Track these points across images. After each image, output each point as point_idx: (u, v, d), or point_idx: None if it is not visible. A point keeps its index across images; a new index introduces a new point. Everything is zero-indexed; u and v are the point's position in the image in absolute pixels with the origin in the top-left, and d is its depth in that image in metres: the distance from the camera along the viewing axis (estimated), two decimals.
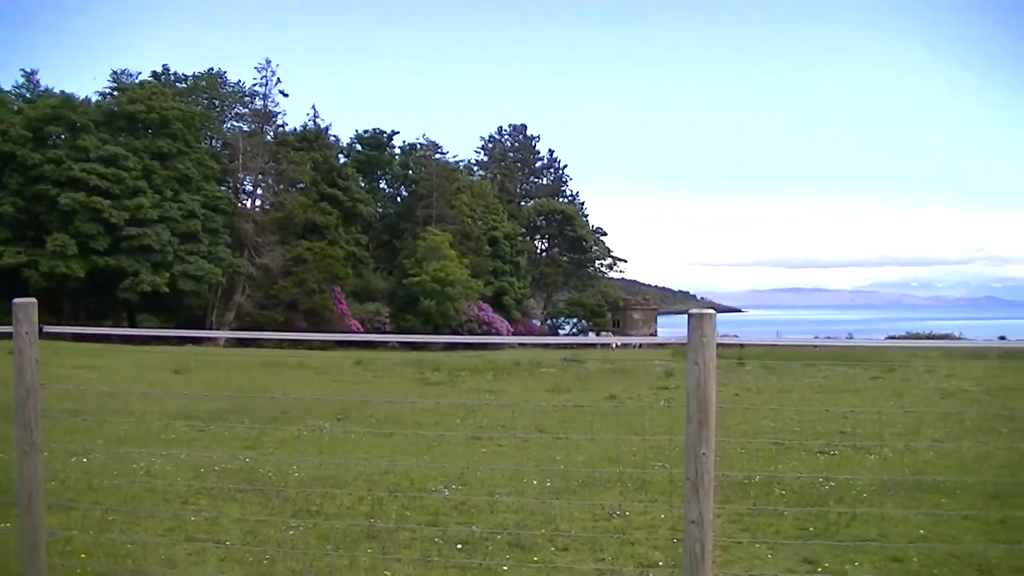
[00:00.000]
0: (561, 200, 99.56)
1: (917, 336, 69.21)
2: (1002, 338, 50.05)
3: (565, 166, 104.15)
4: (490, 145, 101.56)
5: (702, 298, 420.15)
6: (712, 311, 5.09)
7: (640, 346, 57.49)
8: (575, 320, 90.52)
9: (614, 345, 59.45)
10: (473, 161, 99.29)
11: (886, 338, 58.26)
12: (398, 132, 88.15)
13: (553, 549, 8.16)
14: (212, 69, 79.18)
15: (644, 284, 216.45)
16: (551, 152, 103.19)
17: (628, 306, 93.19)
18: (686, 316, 5.12)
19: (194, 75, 79.69)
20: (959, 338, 56.68)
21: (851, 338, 46.03)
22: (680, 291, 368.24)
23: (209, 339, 55.85)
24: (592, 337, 72.73)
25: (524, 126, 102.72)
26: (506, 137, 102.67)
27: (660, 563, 7.66)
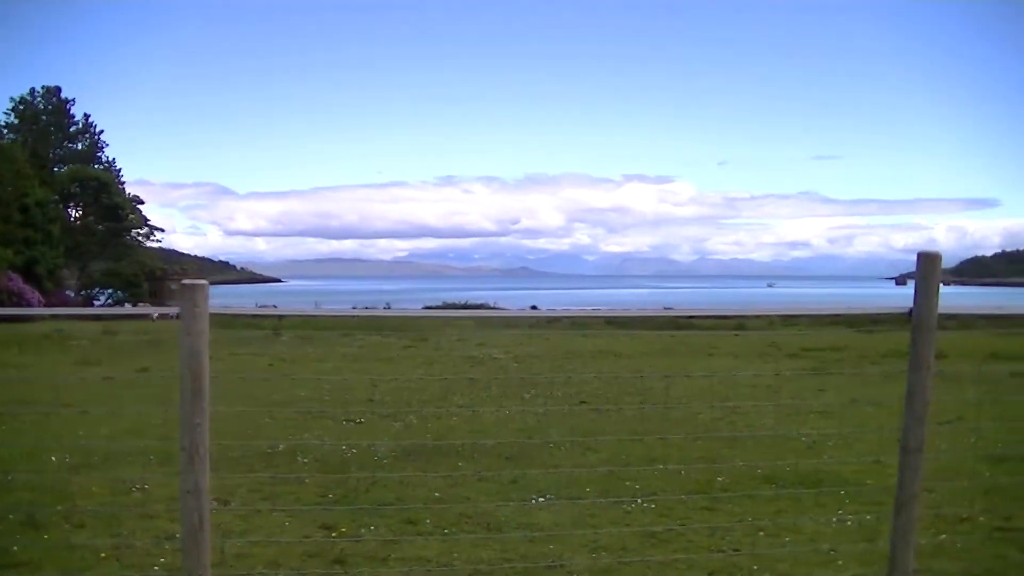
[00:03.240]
0: (97, 167, 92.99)
1: (453, 306, 72.27)
2: (533, 307, 53.84)
3: (102, 131, 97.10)
4: (21, 107, 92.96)
5: (242, 268, 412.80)
6: (204, 281, 4.93)
7: (179, 316, 55.61)
8: (111, 291, 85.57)
9: (153, 316, 57.13)
10: (3, 124, 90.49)
11: (423, 308, 60.37)
12: None
13: (68, 526, 7.87)
14: None
15: (184, 254, 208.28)
16: (87, 117, 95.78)
17: (166, 276, 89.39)
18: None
19: None
20: (492, 307, 59.57)
21: (388, 308, 47.02)
22: (220, 261, 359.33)
23: None
24: (128, 308, 69.37)
25: (59, 88, 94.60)
26: (39, 99, 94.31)
27: (178, 535, 7.57)
